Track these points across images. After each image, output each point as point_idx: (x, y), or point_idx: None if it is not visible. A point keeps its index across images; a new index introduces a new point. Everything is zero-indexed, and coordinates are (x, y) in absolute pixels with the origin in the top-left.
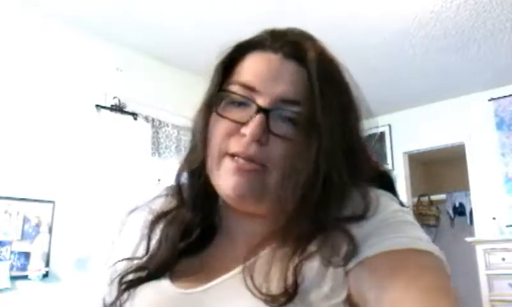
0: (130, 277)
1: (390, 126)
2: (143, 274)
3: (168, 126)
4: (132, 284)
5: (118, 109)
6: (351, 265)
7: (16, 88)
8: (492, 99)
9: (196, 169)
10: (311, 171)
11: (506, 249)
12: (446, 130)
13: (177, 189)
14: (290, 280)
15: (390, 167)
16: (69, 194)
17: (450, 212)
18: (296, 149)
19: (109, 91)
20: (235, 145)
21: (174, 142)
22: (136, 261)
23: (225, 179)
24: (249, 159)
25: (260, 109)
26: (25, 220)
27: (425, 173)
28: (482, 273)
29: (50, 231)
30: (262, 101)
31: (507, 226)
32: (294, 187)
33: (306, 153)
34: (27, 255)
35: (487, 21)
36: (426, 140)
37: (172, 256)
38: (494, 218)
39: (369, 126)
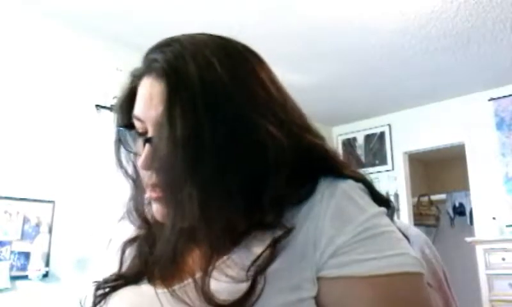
0: (108, 284)
1: (390, 126)
2: (121, 281)
3: None
4: (111, 290)
5: None
6: (325, 272)
7: (16, 88)
8: (492, 99)
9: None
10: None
11: (506, 249)
12: (446, 130)
13: (140, 218)
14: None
15: (389, 167)
16: (69, 194)
17: (450, 212)
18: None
19: (109, 91)
20: (144, 176)
21: None
22: (111, 275)
23: (152, 207)
24: (153, 187)
25: (145, 140)
26: (25, 220)
27: (425, 173)
28: (482, 273)
29: (50, 231)
30: (149, 130)
31: (507, 226)
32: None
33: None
34: (27, 255)
35: (487, 21)
36: (426, 140)
37: (149, 264)
38: (494, 218)
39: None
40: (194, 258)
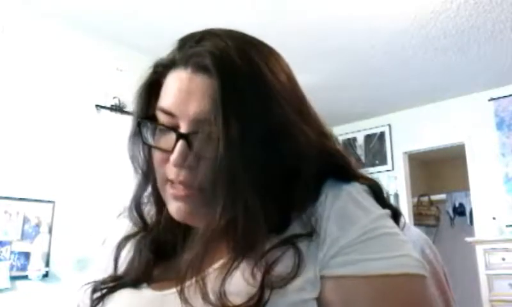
0: (106, 285)
1: (390, 126)
2: (119, 282)
3: None
4: (109, 291)
5: (118, 109)
6: (328, 271)
7: (17, 88)
8: (492, 99)
9: (154, 196)
10: (218, 186)
11: (506, 249)
12: (446, 130)
13: (139, 217)
14: (254, 290)
15: (389, 167)
16: (69, 194)
17: (450, 212)
18: (213, 166)
19: (109, 91)
20: (169, 172)
21: None
22: (107, 276)
23: (169, 204)
24: (183, 184)
25: (180, 135)
26: (25, 220)
27: (425, 173)
28: (482, 273)
29: (50, 231)
30: (182, 126)
31: (507, 226)
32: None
33: (216, 167)
34: (27, 255)
35: (487, 21)
36: (426, 140)
37: (148, 267)
38: (494, 218)
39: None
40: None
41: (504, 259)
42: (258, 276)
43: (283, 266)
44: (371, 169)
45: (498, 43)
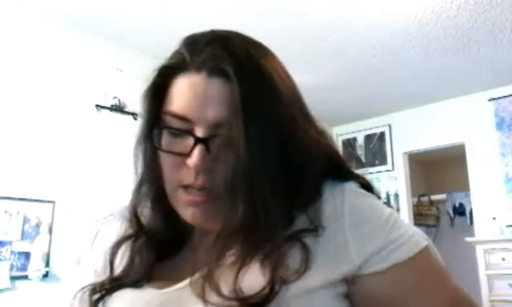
0: (105, 286)
1: (390, 126)
2: (118, 283)
3: None
4: (109, 292)
5: (118, 109)
6: (367, 271)
7: (17, 88)
8: (492, 99)
9: (154, 199)
10: (233, 189)
11: (506, 249)
12: (446, 130)
13: (135, 220)
14: (265, 283)
15: (389, 167)
16: (69, 194)
17: (450, 212)
18: (233, 169)
19: (109, 91)
20: (186, 178)
21: None
22: (105, 278)
23: (183, 210)
24: (200, 189)
25: (197, 140)
26: (25, 220)
27: (425, 173)
28: (482, 273)
29: (50, 231)
30: (198, 130)
31: (507, 226)
32: (236, 205)
33: (236, 170)
34: (27, 255)
35: (487, 21)
36: (426, 140)
37: (149, 267)
38: (494, 218)
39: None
40: (200, 257)
41: (503, 259)
42: (269, 271)
43: (293, 260)
44: (371, 169)
45: (498, 43)
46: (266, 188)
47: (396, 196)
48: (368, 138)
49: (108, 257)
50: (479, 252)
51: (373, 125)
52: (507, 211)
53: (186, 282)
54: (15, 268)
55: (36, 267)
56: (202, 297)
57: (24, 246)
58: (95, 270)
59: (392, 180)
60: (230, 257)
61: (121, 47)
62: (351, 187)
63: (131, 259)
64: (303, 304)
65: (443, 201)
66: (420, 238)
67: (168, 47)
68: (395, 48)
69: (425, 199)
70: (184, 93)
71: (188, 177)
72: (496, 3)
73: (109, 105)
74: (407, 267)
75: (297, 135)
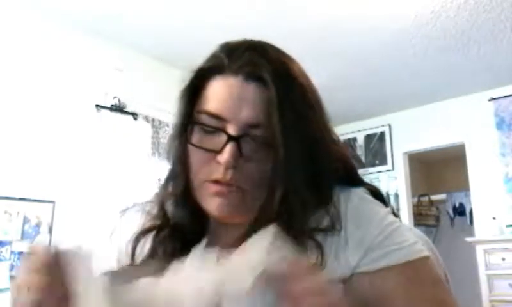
0: (128, 272)
1: (390, 126)
2: (140, 272)
3: (167, 126)
4: (130, 280)
5: (118, 109)
6: (359, 270)
7: (17, 88)
8: (492, 99)
9: (181, 193)
10: (270, 185)
11: (506, 249)
12: (446, 130)
13: (162, 212)
14: None
15: (389, 167)
16: (69, 194)
17: (450, 212)
18: (261, 167)
19: (109, 91)
20: (214, 173)
21: None
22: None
23: (209, 202)
24: (228, 184)
25: (230, 138)
26: (25, 220)
27: (425, 173)
28: (482, 273)
29: (50, 231)
30: (231, 129)
31: (507, 226)
32: (262, 200)
33: (269, 170)
34: None
35: (487, 21)
36: (426, 140)
37: (172, 257)
38: (494, 218)
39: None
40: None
41: (503, 259)
42: None
43: (311, 256)
44: (371, 169)
45: (498, 43)
46: (302, 185)
47: (396, 196)
48: (368, 138)
49: (130, 246)
50: (479, 252)
51: (373, 125)
52: (507, 211)
53: None
54: (15, 268)
55: None
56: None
57: (24, 246)
58: (116, 261)
59: (391, 180)
60: None
61: (121, 47)
62: (358, 192)
63: (154, 250)
64: None
65: (443, 201)
66: (420, 247)
67: (168, 46)
68: (395, 48)
69: (425, 199)
70: (220, 93)
71: (217, 172)
72: (496, 3)
73: (109, 105)
74: (399, 271)
75: (322, 140)
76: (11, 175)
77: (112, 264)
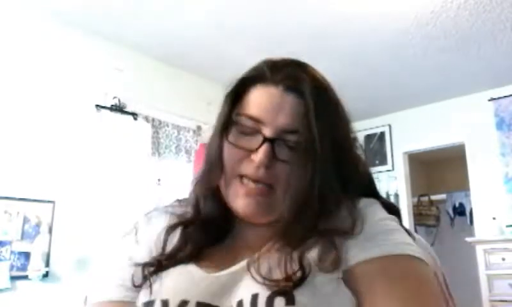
0: (161, 261)
1: (390, 126)
2: (170, 261)
3: (167, 126)
4: (160, 268)
5: (118, 109)
6: (347, 265)
7: (17, 88)
8: (492, 99)
9: (213, 189)
10: (307, 188)
11: (506, 249)
12: (446, 130)
13: (195, 204)
14: (295, 268)
15: (390, 167)
16: (69, 194)
17: (450, 212)
18: (294, 171)
19: (109, 91)
20: (246, 168)
21: (174, 142)
22: (156, 255)
23: (236, 200)
24: (256, 181)
25: (266, 139)
26: (25, 220)
27: (425, 173)
28: (482, 273)
29: (50, 231)
30: (267, 131)
31: (507, 226)
32: (293, 202)
33: (303, 174)
34: (27, 255)
35: (487, 21)
36: (426, 140)
37: (196, 249)
38: (494, 218)
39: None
40: (244, 248)
41: (503, 259)
42: (306, 260)
43: (319, 252)
44: (371, 169)
45: (498, 43)
46: (337, 188)
47: (396, 195)
48: (369, 138)
49: (161, 241)
50: (479, 252)
51: (373, 125)
52: (507, 211)
53: (242, 265)
54: (15, 268)
55: (36, 267)
56: (260, 278)
57: (23, 246)
58: (129, 257)
59: (391, 179)
60: (276, 245)
61: (121, 47)
62: (370, 202)
63: (184, 241)
64: (328, 290)
65: (443, 201)
66: (418, 251)
67: (168, 46)
68: (395, 48)
69: (425, 199)
70: (261, 99)
71: (248, 169)
72: (496, 3)
73: (109, 105)
74: (392, 262)
75: (348, 151)
76: (11, 175)
77: (125, 261)
